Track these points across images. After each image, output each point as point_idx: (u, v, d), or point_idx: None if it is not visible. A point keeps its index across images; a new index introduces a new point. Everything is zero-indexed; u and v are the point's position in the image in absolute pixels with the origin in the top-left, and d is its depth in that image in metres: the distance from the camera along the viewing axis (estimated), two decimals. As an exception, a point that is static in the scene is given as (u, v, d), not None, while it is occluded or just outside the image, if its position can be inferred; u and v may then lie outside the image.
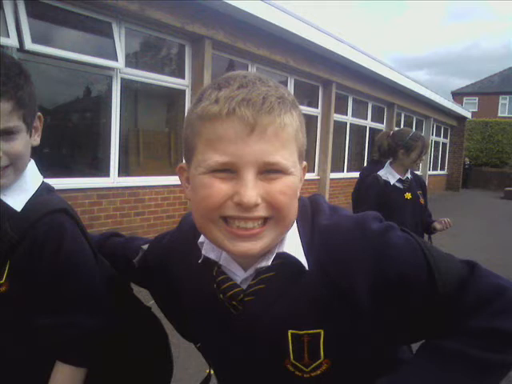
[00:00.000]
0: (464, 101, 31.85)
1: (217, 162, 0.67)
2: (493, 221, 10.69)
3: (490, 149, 24.24)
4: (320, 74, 8.61)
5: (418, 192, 3.06)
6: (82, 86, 5.34)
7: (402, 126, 12.81)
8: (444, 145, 18.68)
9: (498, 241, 8.09)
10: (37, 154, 1.06)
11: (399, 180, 2.96)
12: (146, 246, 1.01)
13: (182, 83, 6.10)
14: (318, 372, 0.77)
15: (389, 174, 2.98)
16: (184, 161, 0.78)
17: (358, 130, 11.48)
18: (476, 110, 30.59)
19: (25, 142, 0.96)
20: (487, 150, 24.33)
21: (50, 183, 1.07)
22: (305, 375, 0.78)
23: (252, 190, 0.66)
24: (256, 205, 0.67)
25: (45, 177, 1.06)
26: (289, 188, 0.70)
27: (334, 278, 0.74)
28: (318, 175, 9.46)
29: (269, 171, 0.68)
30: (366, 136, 11.74)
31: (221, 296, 0.79)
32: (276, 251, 0.76)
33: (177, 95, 6.18)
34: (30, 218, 0.95)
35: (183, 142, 0.76)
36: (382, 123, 12.41)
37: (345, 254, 0.74)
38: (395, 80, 10.95)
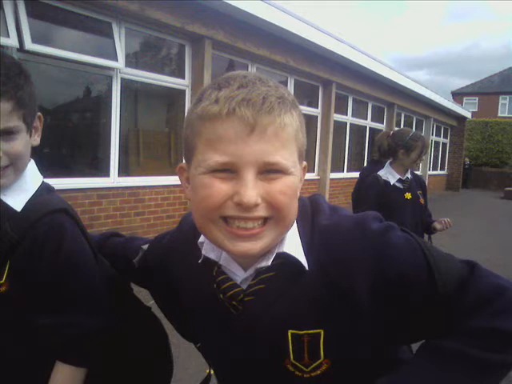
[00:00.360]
0: (464, 101, 31.86)
1: (217, 162, 0.67)
2: (493, 221, 10.69)
3: (489, 149, 24.24)
4: (320, 73, 8.61)
5: (418, 192, 3.06)
6: (82, 86, 5.34)
7: (401, 126, 12.81)
8: (444, 145, 18.68)
9: (498, 241, 8.09)
10: (37, 154, 1.06)
11: (399, 180, 2.96)
12: (145, 246, 1.01)
13: (182, 83, 6.10)
14: (318, 372, 0.77)
15: (389, 174, 2.98)
16: (184, 161, 0.78)
17: (357, 130, 11.48)
18: (476, 110, 30.59)
19: (25, 142, 0.96)
20: (487, 149, 24.33)
21: (49, 183, 1.07)
22: (305, 375, 0.78)
23: (252, 190, 0.66)
24: (256, 205, 0.67)
25: (45, 177, 1.06)
26: (289, 188, 0.70)
27: (334, 278, 0.74)
28: (318, 175, 9.46)
29: (269, 171, 0.68)
30: (366, 136, 11.74)
31: (221, 296, 0.79)
32: (276, 251, 0.76)
33: (177, 95, 6.18)
34: (30, 218, 0.95)
35: (183, 142, 0.76)
36: (382, 123, 12.41)
37: (345, 254, 0.74)
38: (395, 80, 10.95)
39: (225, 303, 0.79)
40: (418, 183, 3.13)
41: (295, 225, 0.78)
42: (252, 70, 7.20)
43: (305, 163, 0.79)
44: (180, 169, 0.80)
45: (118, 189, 5.21)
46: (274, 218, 0.70)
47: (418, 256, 0.74)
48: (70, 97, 5.36)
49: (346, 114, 10.62)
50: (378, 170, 3.05)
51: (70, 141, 5.39)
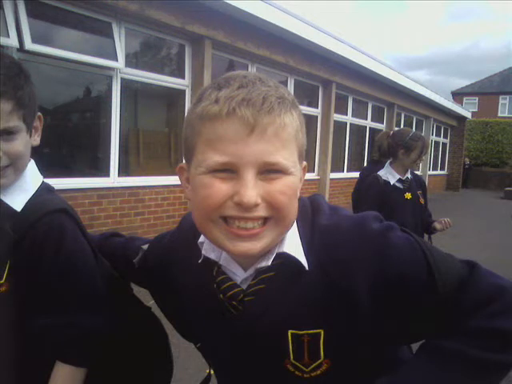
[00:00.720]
0: (464, 101, 31.86)
1: (217, 162, 0.67)
2: (493, 221, 10.69)
3: (490, 149, 24.24)
4: (320, 73, 8.61)
5: (418, 192, 3.06)
6: (82, 86, 5.34)
7: (401, 126, 12.81)
8: (444, 145, 18.68)
9: (497, 241, 8.09)
10: (37, 154, 1.06)
11: (399, 180, 2.96)
12: (145, 246, 1.01)
13: (182, 83, 6.11)
14: (318, 372, 0.77)
15: (389, 174, 2.98)
16: (184, 161, 0.78)
17: (357, 130, 11.48)
18: (476, 110, 30.60)
19: (25, 141, 0.96)
20: (487, 150, 24.32)
21: (50, 183, 1.07)
22: (305, 375, 0.78)
23: (252, 190, 0.66)
24: (256, 205, 0.67)
25: (45, 177, 1.06)
26: (289, 188, 0.70)
27: (334, 278, 0.74)
28: (318, 175, 9.46)
29: (269, 171, 0.68)
30: (366, 136, 11.74)
31: (221, 296, 0.79)
32: (276, 251, 0.76)
33: (177, 95, 6.18)
34: (30, 218, 0.94)
35: (183, 142, 0.76)
36: (382, 123, 12.41)
37: (345, 254, 0.74)
38: (395, 80, 10.95)
39: (225, 303, 0.79)
40: (417, 183, 3.13)
41: (295, 225, 0.78)
42: (252, 70, 7.20)
43: (305, 163, 0.79)
44: (180, 169, 0.80)
45: (117, 189, 5.21)
46: (274, 217, 0.70)
47: (418, 256, 0.74)
48: (70, 97, 5.36)
49: (346, 114, 10.62)
50: (378, 170, 3.05)
51: (70, 141, 5.39)
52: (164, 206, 5.77)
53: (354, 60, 8.93)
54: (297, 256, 0.75)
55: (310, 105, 9.22)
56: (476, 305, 0.72)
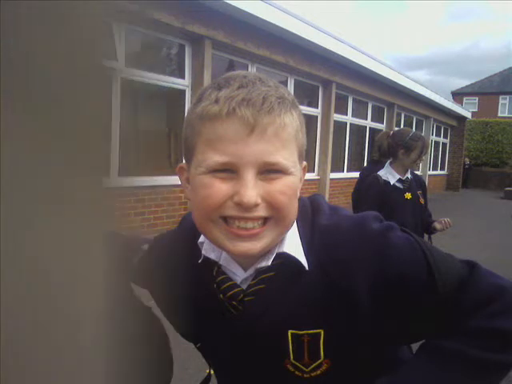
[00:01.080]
0: (464, 101, 31.87)
1: (217, 162, 0.67)
2: (493, 221, 10.68)
3: (490, 149, 24.24)
4: (320, 73, 8.62)
5: (418, 192, 3.06)
6: (82, 86, 5.34)
7: (401, 126, 12.82)
8: (444, 145, 18.69)
9: (497, 241, 8.08)
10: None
11: (399, 180, 2.96)
12: (146, 246, 1.01)
13: (182, 83, 6.11)
14: (318, 372, 0.77)
15: (389, 174, 2.98)
16: (184, 161, 0.78)
17: (357, 130, 11.49)
18: (476, 110, 30.62)
19: None
20: (487, 150, 24.33)
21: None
22: (305, 375, 0.78)
23: (252, 190, 0.66)
24: (256, 205, 0.67)
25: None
26: (289, 188, 0.70)
27: (334, 278, 0.74)
28: (318, 175, 9.46)
29: (269, 171, 0.68)
30: (366, 136, 11.74)
31: (221, 296, 0.79)
32: (276, 251, 0.76)
33: (177, 95, 6.19)
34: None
35: (183, 142, 0.76)
36: (382, 123, 12.41)
37: (345, 254, 0.74)
38: (395, 80, 10.96)
39: (225, 303, 0.79)
40: (417, 183, 3.13)
41: (295, 225, 0.78)
42: (252, 70, 7.20)
43: (305, 163, 0.79)
44: (180, 169, 0.80)
45: (117, 189, 5.21)
46: (274, 218, 0.70)
47: (418, 256, 0.74)
48: (70, 97, 5.36)
49: (346, 114, 10.63)
50: (378, 170, 3.04)
51: (70, 141, 5.40)
52: (164, 206, 5.77)
53: (354, 60, 8.94)
54: (297, 256, 0.75)
55: (310, 105, 9.22)
56: (476, 305, 0.72)
